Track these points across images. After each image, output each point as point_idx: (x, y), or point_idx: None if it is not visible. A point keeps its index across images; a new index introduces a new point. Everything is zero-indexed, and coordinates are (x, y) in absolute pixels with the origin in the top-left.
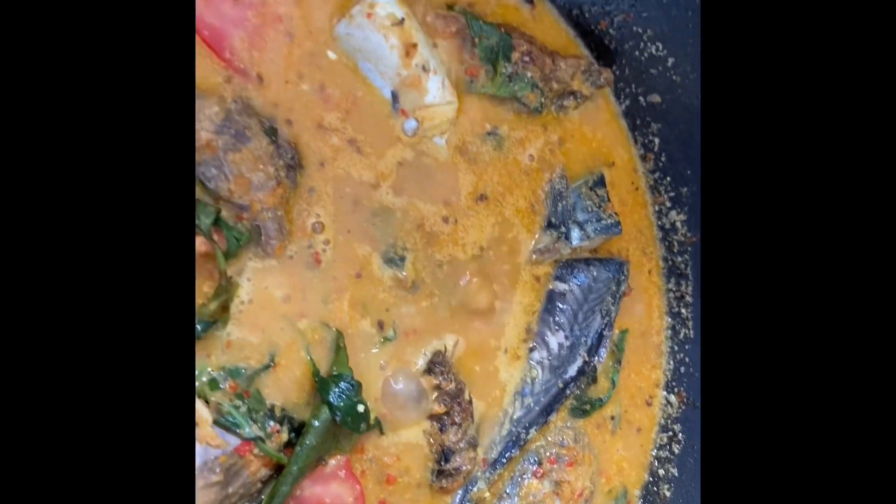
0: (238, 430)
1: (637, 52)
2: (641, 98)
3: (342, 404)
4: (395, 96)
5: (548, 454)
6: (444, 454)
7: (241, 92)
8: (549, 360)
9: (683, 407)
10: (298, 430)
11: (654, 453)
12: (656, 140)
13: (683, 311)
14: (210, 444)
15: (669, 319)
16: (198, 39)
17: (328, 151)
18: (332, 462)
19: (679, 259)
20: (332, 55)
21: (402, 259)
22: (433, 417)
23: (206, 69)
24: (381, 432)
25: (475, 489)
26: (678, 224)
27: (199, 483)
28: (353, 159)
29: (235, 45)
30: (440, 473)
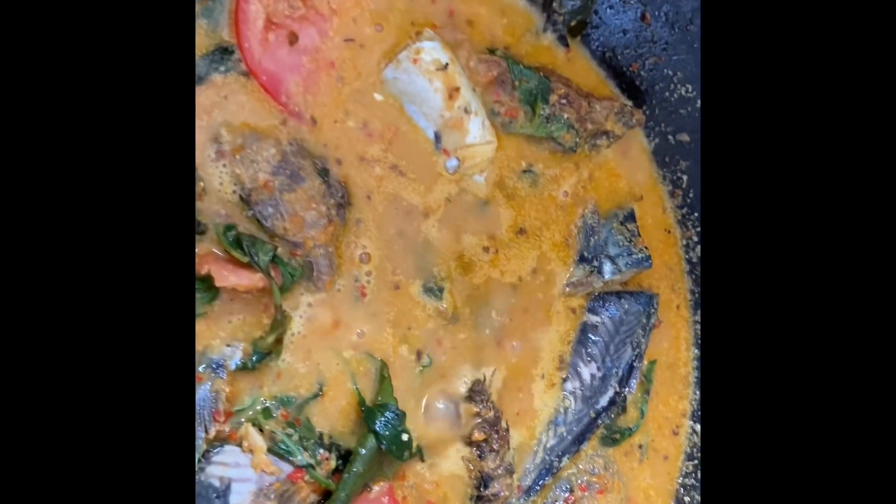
0: (291, 458)
1: (667, 94)
2: (671, 137)
3: (388, 433)
4: (437, 136)
5: (579, 482)
6: (483, 480)
7: (295, 134)
8: (581, 390)
9: None
10: (345, 457)
11: (679, 481)
12: (684, 177)
13: None
14: (265, 471)
15: (696, 351)
16: (256, 84)
17: (373, 182)
18: (376, 488)
19: None
20: (378, 97)
21: (441, 290)
22: (472, 444)
23: (264, 113)
24: (422, 460)
25: None
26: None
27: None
28: (399, 183)
29: (291, 90)
30: (479, 499)
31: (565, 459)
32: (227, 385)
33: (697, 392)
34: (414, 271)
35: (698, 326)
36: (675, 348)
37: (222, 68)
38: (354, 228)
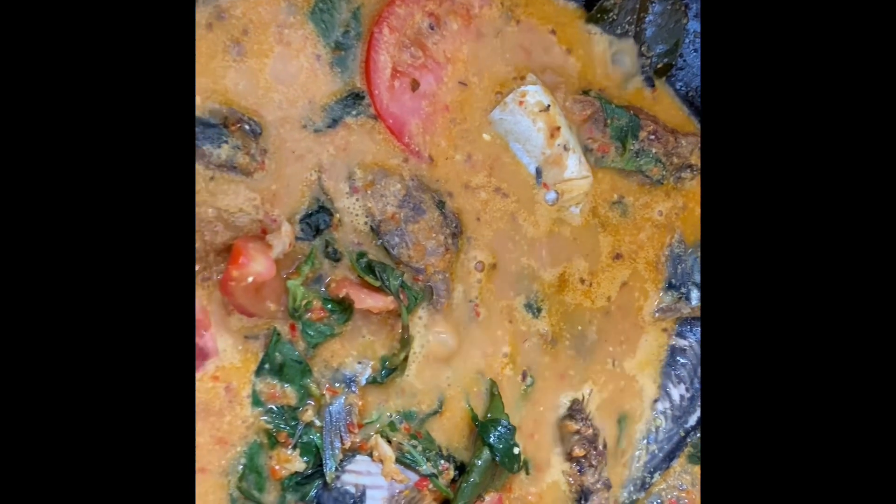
0: (417, 467)
1: None
2: None
3: (501, 446)
4: (539, 171)
5: (669, 497)
6: (583, 494)
7: (416, 171)
8: (671, 410)
9: None
10: (460, 469)
11: None
12: None
13: None
14: (395, 479)
15: None
16: (383, 127)
17: (479, 205)
18: (487, 499)
19: None
20: (486, 137)
21: (540, 310)
22: (572, 460)
23: (389, 152)
24: (527, 473)
25: None
26: None
27: None
28: (505, 205)
29: (413, 131)
30: None
31: (657, 475)
32: (359, 399)
33: None
34: (517, 290)
35: None
36: None
37: (354, 112)
38: (467, 246)
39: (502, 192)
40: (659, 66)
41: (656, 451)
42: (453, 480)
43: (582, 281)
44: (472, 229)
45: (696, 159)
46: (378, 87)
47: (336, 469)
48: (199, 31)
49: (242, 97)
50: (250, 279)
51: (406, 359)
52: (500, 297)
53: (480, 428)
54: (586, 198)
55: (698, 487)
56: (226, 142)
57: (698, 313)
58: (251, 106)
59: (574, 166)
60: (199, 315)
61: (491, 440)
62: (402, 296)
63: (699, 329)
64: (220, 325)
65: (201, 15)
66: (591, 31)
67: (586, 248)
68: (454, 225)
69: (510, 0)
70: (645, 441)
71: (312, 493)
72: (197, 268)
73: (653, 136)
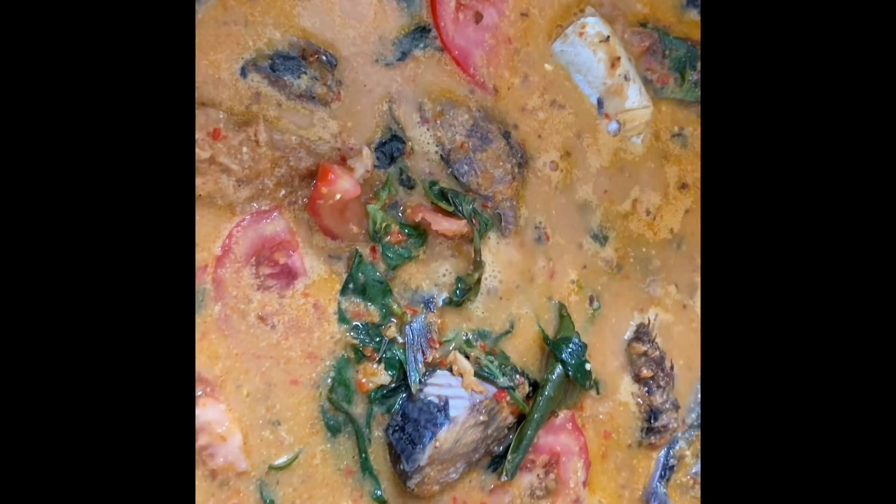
0: (494, 380)
1: None
2: None
3: (573, 361)
4: (601, 102)
5: None
6: (653, 413)
7: (482, 102)
8: None
9: None
10: (533, 387)
11: None
12: None
13: None
14: (475, 390)
15: None
16: (449, 59)
17: (537, 125)
18: (561, 415)
19: None
20: (548, 67)
21: (606, 238)
22: (641, 381)
23: (456, 83)
24: (598, 392)
25: (677, 447)
26: None
27: (469, 422)
28: (554, 127)
29: (477, 63)
30: (649, 430)
31: None
32: (438, 318)
33: None
34: (583, 216)
35: None
36: None
37: (422, 45)
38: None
39: (566, 123)
40: None
41: None
42: (528, 397)
43: (647, 212)
44: (535, 148)
45: None
46: (444, 19)
47: (419, 382)
48: None
49: (319, 32)
50: (338, 196)
51: (479, 280)
52: (566, 223)
53: (552, 346)
54: (647, 128)
55: None
56: (305, 73)
57: None
58: (327, 40)
59: (635, 96)
60: (286, 237)
61: (563, 356)
62: (474, 221)
63: None
64: (307, 245)
65: None
66: None
67: (650, 178)
68: (520, 155)
69: None
70: None
71: (397, 404)
72: (283, 192)
73: None
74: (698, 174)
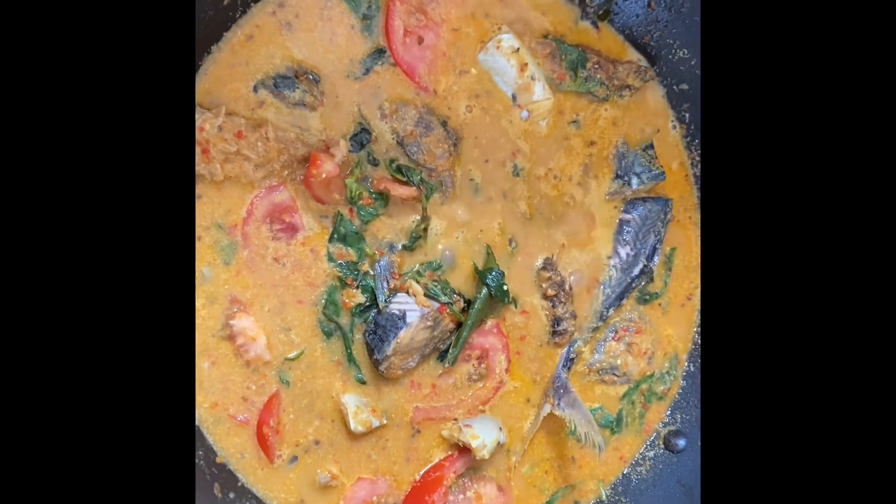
0: (437, 298)
1: (670, 56)
2: (675, 86)
3: (494, 284)
4: (514, 97)
5: (621, 325)
6: (556, 321)
7: (425, 101)
8: (620, 264)
9: None
10: (468, 303)
11: (696, 330)
12: (687, 115)
13: None
14: (424, 305)
15: (700, 241)
16: (400, 71)
17: (472, 120)
18: (489, 323)
19: None
20: (474, 72)
21: (521, 195)
22: (547, 298)
23: (405, 89)
24: (515, 306)
25: (576, 346)
26: None
27: (420, 325)
28: (491, 121)
29: (421, 73)
30: (554, 333)
31: (611, 311)
32: (398, 258)
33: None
34: (505, 184)
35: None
36: (686, 239)
37: (380, 63)
38: (467, 147)
39: (488, 111)
40: (600, 13)
41: (610, 294)
42: (463, 310)
43: (555, 177)
44: (468, 136)
45: (631, 81)
46: (395, 43)
47: (385, 301)
48: (265, 17)
49: (307, 59)
50: (324, 175)
51: (426, 229)
52: (494, 183)
53: (480, 274)
54: (550, 114)
55: (645, 320)
56: (298, 87)
57: (640, 195)
58: (313, 63)
59: (540, 91)
60: (290, 203)
61: (488, 281)
62: (421, 187)
63: (640, 206)
64: (304, 209)
65: (268, 5)
66: None
67: (554, 152)
68: (454, 138)
69: None
70: (602, 286)
71: (371, 316)
72: (287, 172)
73: (597, 66)
74: (591, 147)
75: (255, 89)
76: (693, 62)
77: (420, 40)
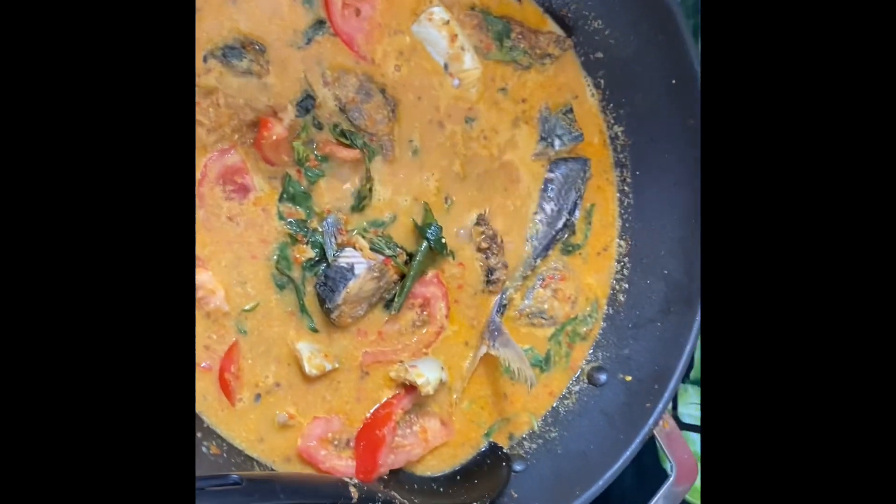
0: (382, 252)
1: (586, 27)
2: (591, 55)
3: (433, 238)
4: (446, 66)
5: (548, 274)
6: (490, 271)
7: (365, 69)
8: (545, 219)
9: (628, 248)
10: (410, 256)
11: (613, 277)
12: (602, 81)
13: (626, 188)
14: (370, 258)
15: (618, 195)
16: (340, 41)
17: (409, 86)
18: (430, 273)
19: (621, 156)
20: (407, 39)
21: (455, 155)
22: (480, 251)
23: (346, 58)
24: (453, 258)
25: (508, 293)
26: (619, 133)
27: (367, 277)
28: (425, 89)
29: (359, 42)
30: (488, 282)
31: (538, 261)
32: (344, 216)
33: (619, 221)
34: (440, 146)
35: (618, 179)
36: (602, 197)
37: (321, 33)
38: (406, 119)
39: (421, 78)
40: None
41: (537, 245)
42: (406, 262)
43: (485, 137)
44: (405, 102)
45: (552, 49)
46: (334, 14)
47: (334, 256)
48: None
49: (252, 30)
50: (274, 138)
51: (371, 189)
52: (431, 143)
53: (420, 229)
54: (479, 82)
55: (568, 269)
56: (245, 57)
57: (562, 155)
58: (259, 34)
59: (469, 61)
60: (241, 165)
61: (427, 235)
62: (364, 150)
63: (562, 165)
64: (255, 170)
65: None
66: None
67: (484, 115)
68: (392, 104)
69: None
70: (529, 238)
71: (321, 269)
72: (237, 136)
73: (520, 36)
74: (517, 112)
75: (205, 59)
76: (607, 32)
77: (357, 12)
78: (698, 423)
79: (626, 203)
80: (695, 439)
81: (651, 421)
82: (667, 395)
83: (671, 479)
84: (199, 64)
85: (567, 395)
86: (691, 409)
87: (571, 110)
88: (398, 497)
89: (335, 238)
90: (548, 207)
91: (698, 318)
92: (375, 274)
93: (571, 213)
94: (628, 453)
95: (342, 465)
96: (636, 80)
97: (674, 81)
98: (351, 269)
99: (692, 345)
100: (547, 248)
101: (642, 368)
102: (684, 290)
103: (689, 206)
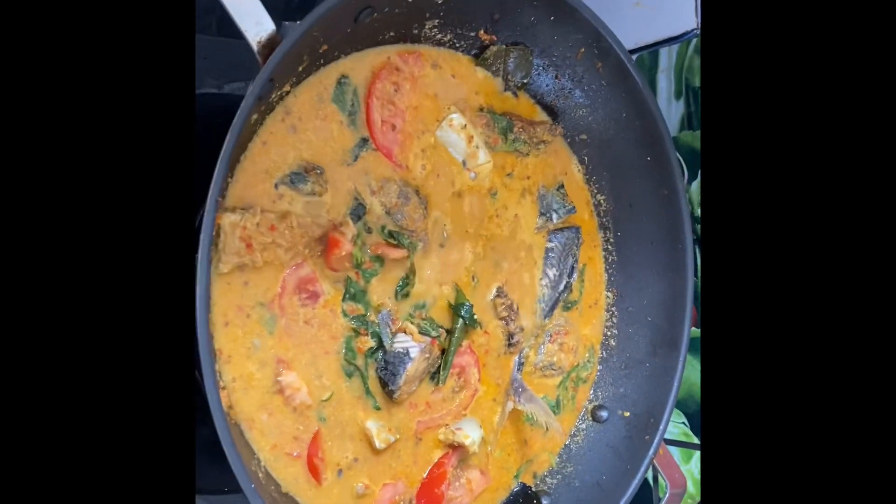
0: (429, 334)
1: (573, 114)
2: (576, 137)
3: (466, 315)
4: (464, 162)
5: (554, 330)
6: (510, 335)
7: (402, 175)
8: (549, 283)
9: (615, 299)
10: (448, 332)
11: (605, 325)
12: (586, 158)
13: (610, 247)
14: (420, 342)
15: (604, 253)
16: (381, 154)
17: (435, 184)
18: (463, 344)
19: (604, 219)
20: (431, 140)
21: (478, 237)
22: (501, 318)
23: (386, 168)
24: (481, 329)
25: (524, 352)
26: (601, 201)
27: (420, 358)
28: (445, 183)
29: (396, 154)
30: (509, 345)
31: (546, 320)
32: (395, 306)
33: (606, 275)
34: (462, 232)
35: (603, 241)
36: (591, 258)
37: (365, 150)
38: (434, 209)
39: (444, 176)
40: (519, 85)
41: (545, 307)
42: (446, 338)
43: (497, 216)
44: (434, 198)
45: (545, 137)
46: (376, 132)
47: (391, 342)
48: (276, 124)
49: (312, 156)
50: (343, 253)
51: (414, 282)
52: (457, 232)
53: (454, 308)
54: (490, 173)
55: (569, 324)
56: (308, 181)
57: (558, 226)
58: (318, 160)
59: (482, 156)
60: (311, 275)
61: (461, 313)
62: (409, 248)
63: (560, 235)
64: (322, 277)
65: (278, 114)
66: (477, 71)
67: (499, 200)
68: (424, 203)
69: (433, 61)
70: (538, 302)
71: (380, 356)
72: (307, 251)
73: (520, 129)
74: (521, 192)
75: (276, 186)
76: (590, 118)
77: (393, 127)
78: (676, 438)
79: (610, 260)
80: (674, 452)
81: (651, 451)
82: (661, 426)
83: (667, 495)
84: (270, 190)
85: (576, 433)
86: (670, 426)
87: (562, 186)
88: None
89: (390, 327)
90: (551, 273)
91: (682, 358)
92: (427, 354)
93: (570, 275)
94: (636, 481)
95: None
96: (616, 156)
97: (649, 158)
98: (407, 353)
99: (678, 382)
100: (552, 308)
101: (637, 404)
102: (667, 335)
103: (666, 261)
